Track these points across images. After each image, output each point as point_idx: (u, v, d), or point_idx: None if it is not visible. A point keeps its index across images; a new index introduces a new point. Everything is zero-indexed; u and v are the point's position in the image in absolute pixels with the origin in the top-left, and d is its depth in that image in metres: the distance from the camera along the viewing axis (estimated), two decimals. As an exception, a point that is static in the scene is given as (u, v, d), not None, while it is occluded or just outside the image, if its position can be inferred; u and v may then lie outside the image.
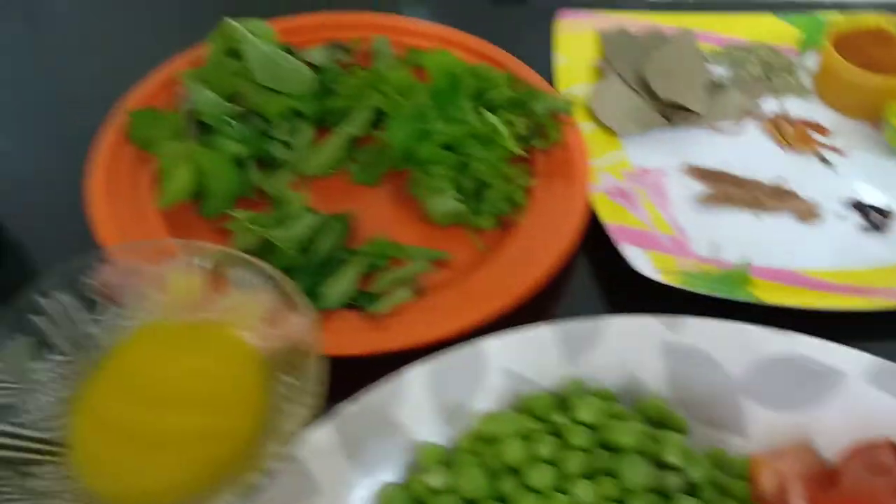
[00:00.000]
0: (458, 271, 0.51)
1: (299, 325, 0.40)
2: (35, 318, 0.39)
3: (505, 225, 0.54)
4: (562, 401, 0.40)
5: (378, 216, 0.55)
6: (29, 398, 0.39)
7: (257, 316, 0.42)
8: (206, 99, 0.53)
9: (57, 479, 0.37)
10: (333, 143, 0.57)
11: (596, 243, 0.52)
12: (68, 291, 0.41)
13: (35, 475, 0.36)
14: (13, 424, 0.37)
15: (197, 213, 0.54)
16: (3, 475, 0.35)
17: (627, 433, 0.37)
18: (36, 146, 0.60)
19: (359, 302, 0.47)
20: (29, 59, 0.68)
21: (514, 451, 0.37)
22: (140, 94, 0.58)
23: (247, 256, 0.42)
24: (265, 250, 0.48)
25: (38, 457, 0.37)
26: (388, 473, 0.39)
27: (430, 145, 0.52)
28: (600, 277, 0.53)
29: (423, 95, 0.54)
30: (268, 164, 0.56)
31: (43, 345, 0.40)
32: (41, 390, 0.39)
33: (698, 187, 0.57)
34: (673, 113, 0.61)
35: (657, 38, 0.66)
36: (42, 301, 0.40)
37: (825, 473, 0.38)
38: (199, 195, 0.53)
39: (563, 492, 0.36)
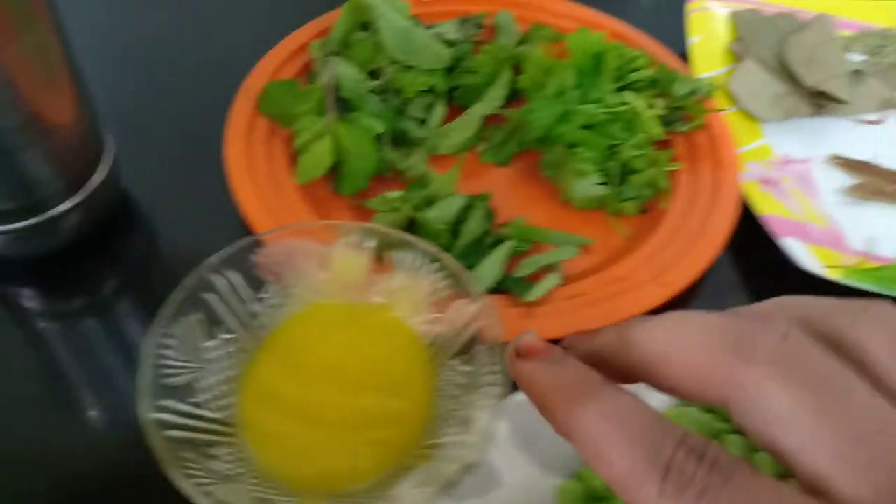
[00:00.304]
0: (600, 258, 0.50)
1: (470, 309, 0.39)
2: (207, 296, 0.39)
3: (646, 210, 0.53)
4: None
5: (511, 198, 0.53)
6: (202, 377, 0.38)
7: (423, 299, 0.41)
8: (349, 73, 0.52)
9: (234, 461, 0.37)
10: (468, 121, 0.55)
11: (740, 237, 0.51)
12: (237, 269, 0.40)
13: (216, 457, 0.36)
14: (191, 404, 0.37)
15: (329, 189, 0.53)
16: (190, 457, 0.34)
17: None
18: (169, 118, 0.59)
19: (506, 287, 0.47)
20: (158, 30, 0.67)
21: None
22: (267, 65, 0.57)
23: (412, 237, 0.41)
24: (409, 231, 0.47)
25: (215, 437, 0.37)
26: (562, 466, 0.38)
27: (573, 126, 0.51)
28: (741, 269, 0.52)
29: (566, 74, 0.52)
30: (401, 142, 0.55)
31: (214, 323, 0.39)
32: (211, 369, 0.39)
33: (845, 179, 0.55)
34: (815, 100, 0.59)
35: (792, 21, 0.63)
36: (214, 279, 0.39)
37: None
38: (335, 171, 0.52)
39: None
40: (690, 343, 0.23)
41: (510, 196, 0.53)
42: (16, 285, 0.49)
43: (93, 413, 0.44)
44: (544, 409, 0.26)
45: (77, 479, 0.41)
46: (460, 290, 0.40)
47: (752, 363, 0.21)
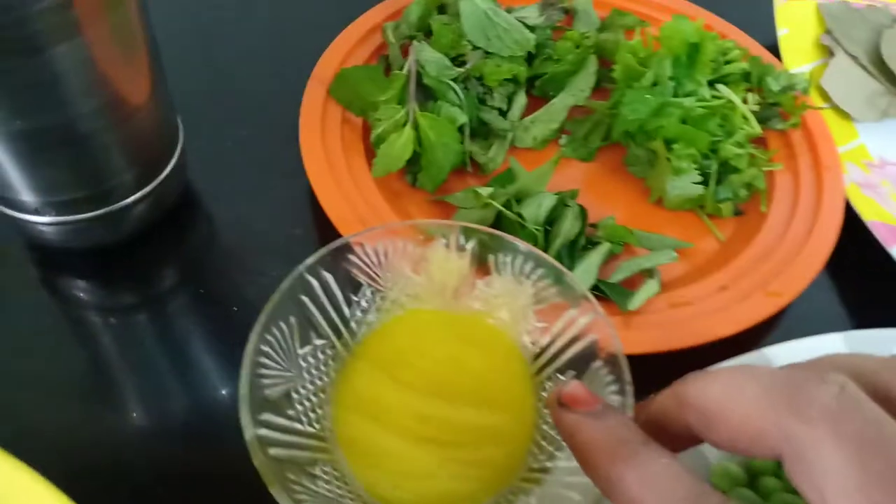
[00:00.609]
0: (696, 263, 0.47)
1: (581, 319, 0.37)
2: (303, 298, 0.36)
3: (741, 213, 0.50)
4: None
5: (595, 196, 0.50)
6: (299, 387, 0.36)
7: (526, 306, 0.39)
8: (434, 59, 0.49)
9: (333, 480, 0.34)
10: (552, 113, 0.53)
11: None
12: (330, 271, 0.37)
13: (317, 476, 0.34)
14: (288, 418, 0.34)
15: (405, 182, 0.50)
16: (293, 479, 0.32)
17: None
18: (233, 104, 0.56)
19: (601, 294, 0.44)
20: (224, 13, 0.64)
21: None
22: (338, 50, 0.54)
23: (515, 238, 0.38)
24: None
25: (314, 455, 0.34)
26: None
27: (673, 120, 0.48)
28: (846, 280, 0.49)
29: (663, 65, 0.49)
30: (478, 133, 0.52)
31: (310, 327, 0.37)
32: (308, 379, 0.36)
33: (947, 184, 0.53)
34: (914, 99, 0.56)
35: (885, 15, 0.60)
36: (310, 279, 0.36)
37: None
38: (411, 163, 0.49)
39: None
40: (745, 398, 0.23)
41: (594, 194, 0.51)
42: (71, 277, 0.46)
43: (141, 409, 0.42)
44: (584, 463, 0.26)
45: (124, 476, 0.39)
46: (568, 298, 0.37)
47: (807, 419, 0.21)
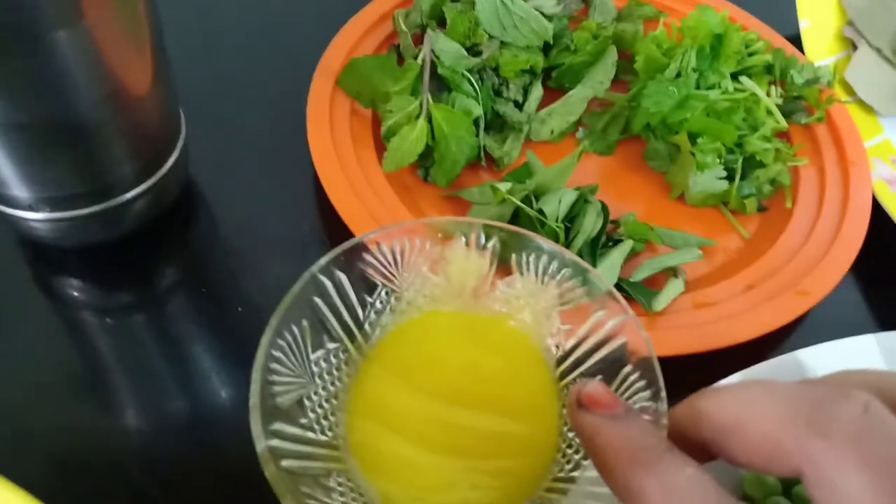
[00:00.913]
0: (721, 261, 0.46)
1: (609, 322, 0.35)
2: (316, 300, 0.34)
3: (765, 209, 0.48)
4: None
5: (614, 192, 0.48)
6: (311, 393, 0.34)
7: (550, 308, 0.37)
8: (449, 49, 0.47)
9: (348, 492, 0.32)
10: (570, 106, 0.51)
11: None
12: (344, 270, 0.35)
13: (332, 489, 0.32)
14: (301, 427, 0.32)
15: (416, 176, 0.48)
16: (308, 493, 0.30)
17: None
18: (235, 96, 0.54)
19: (629, 293, 0.42)
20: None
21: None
22: (347, 38, 0.52)
23: (538, 236, 0.37)
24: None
25: (327, 465, 0.32)
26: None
27: (698, 113, 0.46)
28: (872, 280, 0.47)
29: (688, 56, 0.47)
30: (493, 126, 0.50)
31: (323, 330, 0.35)
32: (320, 385, 0.34)
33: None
34: (939, 93, 0.54)
35: (909, 5, 0.58)
36: (323, 280, 0.34)
37: None
38: (422, 157, 0.47)
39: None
40: (763, 413, 0.22)
41: (613, 189, 0.49)
42: (67, 275, 0.44)
43: (140, 412, 0.40)
44: (603, 469, 0.25)
45: (122, 479, 0.37)
46: (595, 299, 0.35)
47: (830, 439, 0.21)
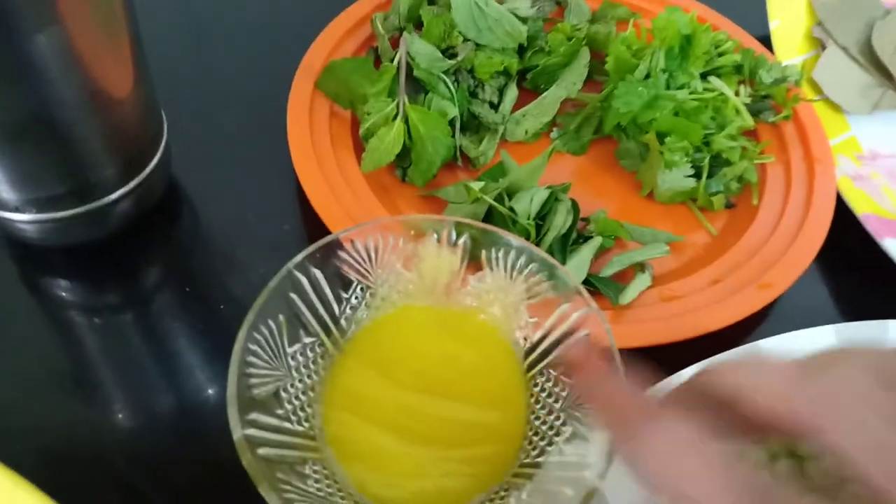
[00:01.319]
0: (688, 257, 0.47)
1: (574, 315, 0.36)
2: (292, 296, 0.36)
3: (732, 206, 0.50)
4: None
5: (586, 190, 0.50)
6: (287, 385, 0.35)
7: (518, 302, 0.38)
8: (425, 51, 0.48)
9: (324, 479, 0.34)
10: (544, 106, 0.52)
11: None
12: (320, 268, 0.37)
13: (307, 476, 0.33)
14: (278, 417, 0.34)
15: (394, 177, 0.49)
16: (283, 478, 0.31)
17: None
18: (219, 98, 0.55)
19: (592, 288, 0.44)
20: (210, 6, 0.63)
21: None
22: (326, 41, 0.53)
23: (508, 233, 0.38)
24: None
25: (303, 454, 0.34)
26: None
27: (665, 113, 0.48)
28: (838, 272, 0.49)
29: (657, 56, 0.49)
30: (469, 127, 0.51)
31: (299, 325, 0.36)
32: (297, 377, 0.36)
33: (938, 176, 0.52)
34: (905, 91, 0.56)
35: (877, 6, 0.60)
36: (299, 276, 0.36)
37: None
38: (400, 157, 0.48)
39: None
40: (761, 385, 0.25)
41: (585, 188, 0.50)
42: (53, 275, 0.45)
43: (126, 408, 0.41)
44: (614, 420, 0.27)
45: (109, 473, 0.39)
46: (561, 293, 0.37)
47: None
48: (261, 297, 0.34)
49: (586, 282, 0.44)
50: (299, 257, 0.35)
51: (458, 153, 0.50)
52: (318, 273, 0.36)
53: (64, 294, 0.45)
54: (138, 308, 0.45)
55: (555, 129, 0.53)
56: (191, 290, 0.45)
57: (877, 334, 0.39)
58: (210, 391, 0.42)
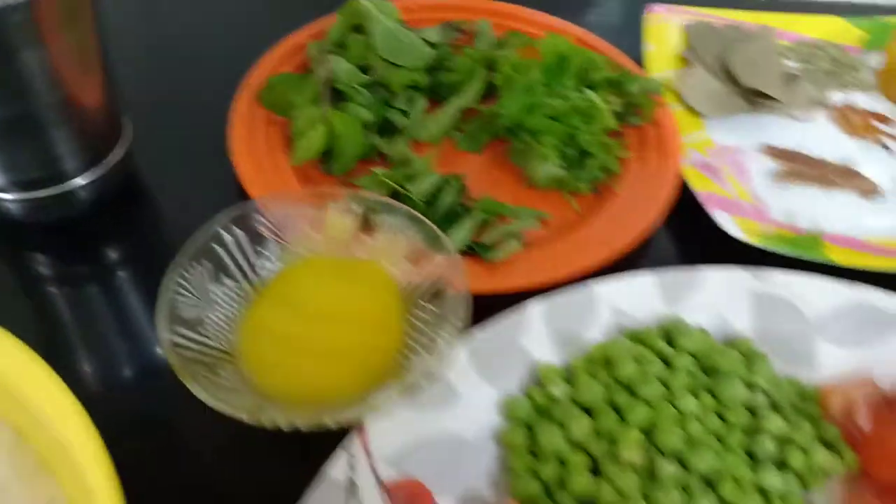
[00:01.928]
0: (557, 230, 0.58)
1: (442, 263, 0.47)
2: (216, 248, 0.46)
3: (600, 191, 0.60)
4: (666, 334, 0.46)
5: (482, 179, 0.61)
6: (210, 314, 0.45)
7: (402, 255, 0.49)
8: (344, 68, 0.59)
9: (236, 379, 0.44)
10: (446, 113, 0.63)
11: (681, 214, 0.58)
12: (241, 227, 0.47)
13: (220, 375, 0.43)
14: (200, 334, 0.44)
15: (321, 170, 0.60)
16: (200, 371, 0.42)
17: (726, 358, 0.43)
18: (178, 108, 0.66)
19: (476, 250, 0.54)
20: (173, 31, 0.75)
21: (628, 369, 0.43)
22: (268, 62, 0.64)
23: (395, 203, 0.49)
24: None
25: (220, 361, 0.44)
26: (513, 388, 0.45)
27: (539, 117, 0.59)
28: (684, 242, 0.59)
29: (535, 73, 0.60)
30: (386, 130, 0.62)
31: (220, 270, 0.46)
32: (218, 309, 0.46)
33: (774, 165, 0.63)
34: (752, 99, 0.67)
35: (738, 32, 0.71)
36: (222, 234, 0.47)
37: (885, 401, 0.43)
38: (325, 155, 0.59)
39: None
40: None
41: (481, 178, 0.61)
42: (30, 250, 0.56)
43: (89, 369, 0.50)
44: None
45: None
46: (434, 248, 0.47)
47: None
48: (186, 246, 0.44)
49: (469, 247, 0.54)
50: (222, 217, 0.46)
51: (377, 152, 0.61)
52: (239, 231, 0.47)
53: (38, 267, 0.55)
54: (103, 280, 0.55)
55: (457, 132, 0.64)
56: (148, 264, 0.55)
57: (688, 277, 0.48)
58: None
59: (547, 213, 0.58)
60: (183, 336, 0.42)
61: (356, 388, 0.44)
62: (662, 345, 0.45)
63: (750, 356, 0.45)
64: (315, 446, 0.42)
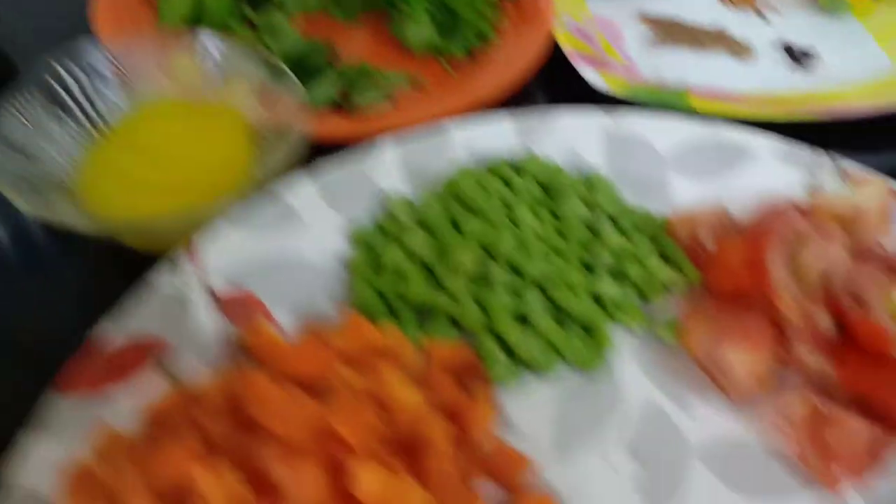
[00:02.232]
0: (433, 93, 0.57)
1: (289, 103, 0.46)
2: (51, 81, 0.45)
3: (477, 58, 0.60)
4: (516, 167, 0.46)
5: (360, 49, 0.60)
6: (47, 149, 0.44)
7: (254, 97, 0.48)
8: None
9: (72, 210, 0.42)
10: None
11: (555, 80, 0.58)
12: (81, 65, 0.46)
13: (53, 201, 0.42)
14: (35, 166, 0.43)
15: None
16: (30, 196, 0.40)
17: (567, 178, 0.43)
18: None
19: (343, 105, 0.53)
20: None
21: (468, 188, 0.43)
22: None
23: (247, 46, 0.48)
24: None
25: (56, 191, 0.43)
26: (363, 219, 0.44)
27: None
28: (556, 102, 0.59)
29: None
30: (257, 2, 0.61)
31: (57, 104, 0.45)
32: (58, 148, 0.44)
33: (648, 33, 0.63)
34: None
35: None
36: (58, 68, 0.45)
37: (731, 223, 0.43)
38: (193, 23, 0.58)
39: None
40: None
41: (360, 49, 0.61)
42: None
43: None
44: None
45: None
46: (284, 90, 0.46)
47: None
48: (18, 80, 0.43)
49: (336, 103, 0.53)
50: (57, 53, 0.45)
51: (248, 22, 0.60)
52: (76, 68, 0.46)
53: None
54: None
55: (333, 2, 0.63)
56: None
57: (543, 117, 0.48)
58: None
59: (423, 78, 0.57)
60: (16, 164, 0.41)
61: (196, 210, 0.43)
62: (510, 173, 0.45)
63: (595, 182, 0.45)
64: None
